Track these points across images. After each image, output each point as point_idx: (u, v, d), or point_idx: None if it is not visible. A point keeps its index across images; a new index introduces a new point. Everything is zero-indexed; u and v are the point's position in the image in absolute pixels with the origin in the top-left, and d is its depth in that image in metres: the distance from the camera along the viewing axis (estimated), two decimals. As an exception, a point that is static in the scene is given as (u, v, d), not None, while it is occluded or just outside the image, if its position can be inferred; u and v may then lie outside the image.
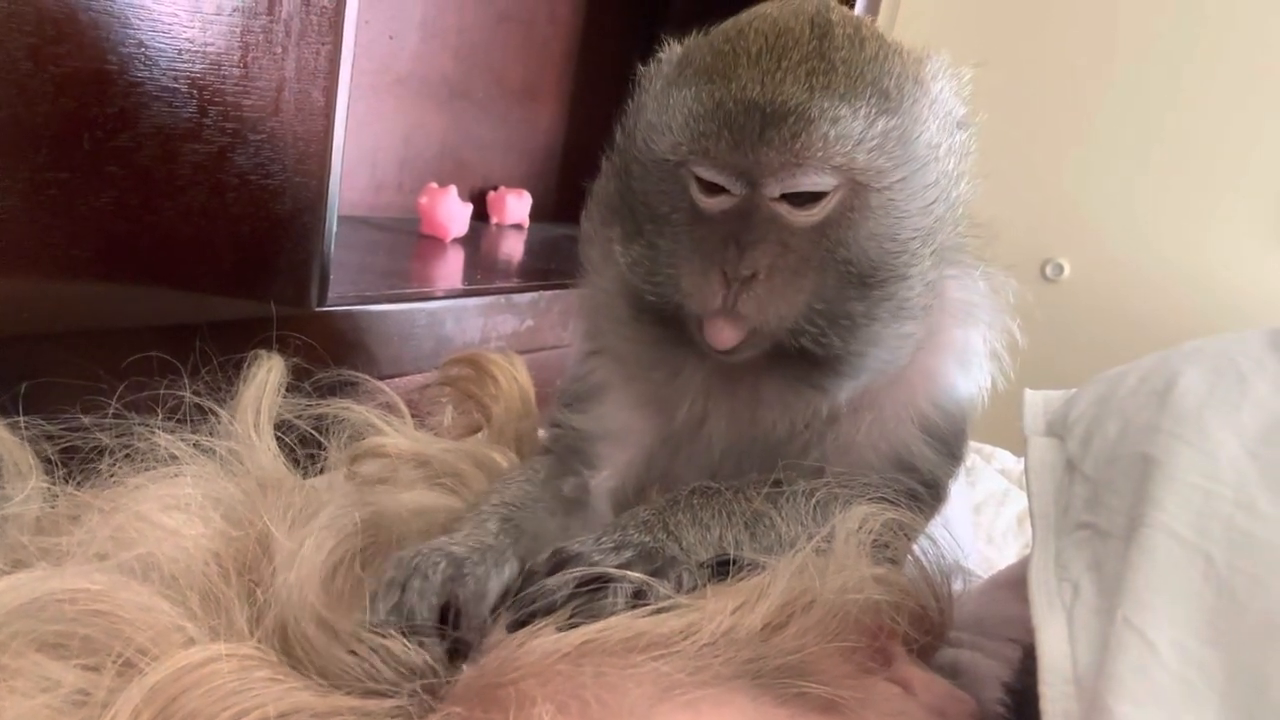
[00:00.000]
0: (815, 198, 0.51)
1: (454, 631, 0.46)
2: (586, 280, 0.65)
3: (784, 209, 0.51)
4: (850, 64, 0.51)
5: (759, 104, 0.49)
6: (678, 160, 0.53)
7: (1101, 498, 0.45)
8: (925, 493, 0.61)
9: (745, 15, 0.55)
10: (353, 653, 0.44)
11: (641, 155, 0.56)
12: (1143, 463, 0.44)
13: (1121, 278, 2.50)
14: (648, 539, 0.51)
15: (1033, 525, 0.49)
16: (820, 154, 0.49)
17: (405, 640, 0.44)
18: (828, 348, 0.53)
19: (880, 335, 0.54)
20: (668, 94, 0.54)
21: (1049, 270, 2.56)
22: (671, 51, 0.58)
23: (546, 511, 0.59)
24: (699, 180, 0.53)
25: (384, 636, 0.44)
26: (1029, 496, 0.50)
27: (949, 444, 0.62)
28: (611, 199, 0.61)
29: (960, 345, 0.61)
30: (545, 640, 0.43)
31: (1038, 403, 0.55)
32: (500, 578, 0.51)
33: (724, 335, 0.53)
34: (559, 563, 0.48)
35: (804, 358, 0.54)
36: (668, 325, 0.57)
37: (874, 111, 0.50)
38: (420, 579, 0.47)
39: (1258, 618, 0.35)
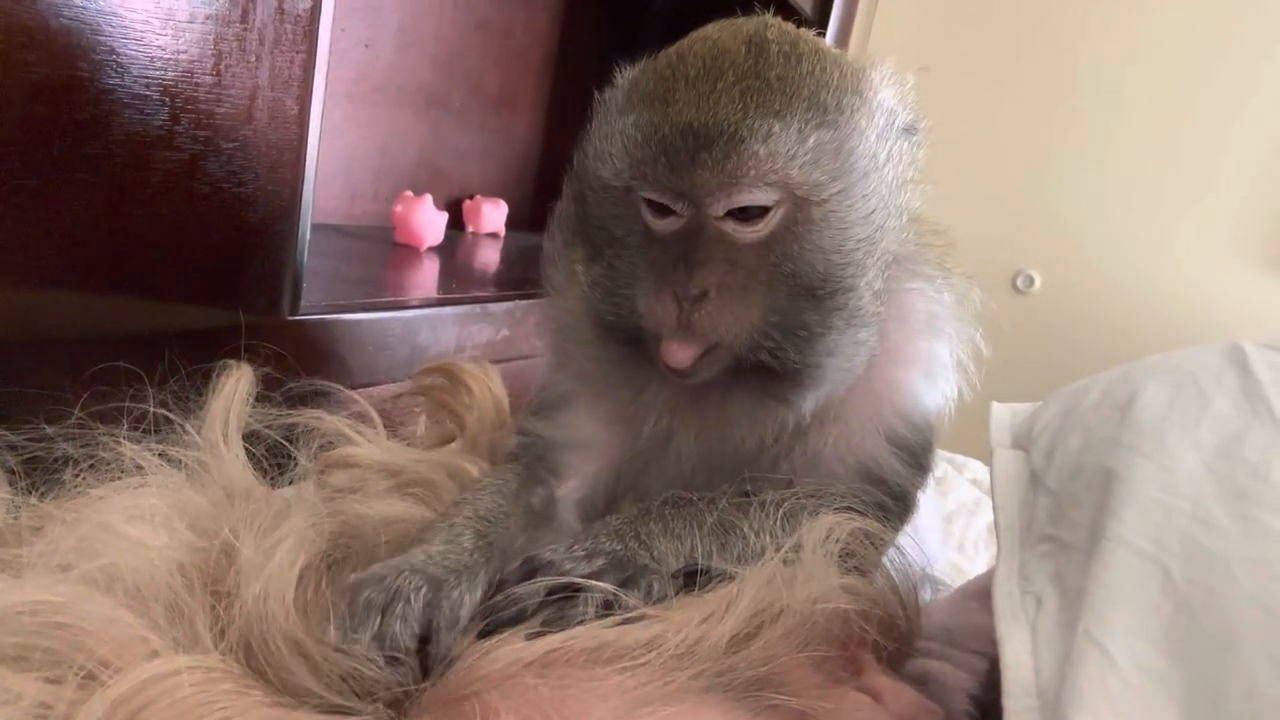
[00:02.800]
0: (759, 213, 0.52)
1: (427, 649, 0.46)
2: (551, 300, 0.65)
3: (730, 226, 0.52)
4: (785, 80, 0.52)
5: (693, 127, 0.50)
6: (622, 185, 0.54)
7: (1064, 510, 0.46)
8: (893, 504, 0.62)
9: (688, 39, 0.56)
10: (318, 672, 0.44)
11: (594, 181, 0.57)
12: (1103, 476, 0.44)
13: (1092, 289, 2.53)
14: (619, 547, 0.51)
15: (998, 537, 0.49)
16: (753, 172, 0.50)
17: (379, 663, 0.44)
18: (784, 361, 0.54)
19: (836, 344, 0.55)
20: (614, 121, 0.55)
21: (1019, 282, 2.59)
22: (624, 78, 0.59)
23: (517, 526, 0.59)
24: (648, 203, 0.54)
25: (357, 658, 0.44)
26: (994, 509, 0.51)
27: (916, 455, 0.63)
28: (573, 221, 0.62)
29: (925, 357, 0.62)
30: (509, 649, 0.43)
31: (1004, 415, 0.56)
32: (474, 599, 0.50)
33: (679, 354, 0.53)
34: (530, 571, 0.48)
35: (764, 372, 0.55)
36: (630, 344, 0.57)
37: (808, 126, 0.51)
38: (403, 603, 0.46)
39: (1213, 630, 0.36)
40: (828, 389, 0.57)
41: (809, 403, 0.57)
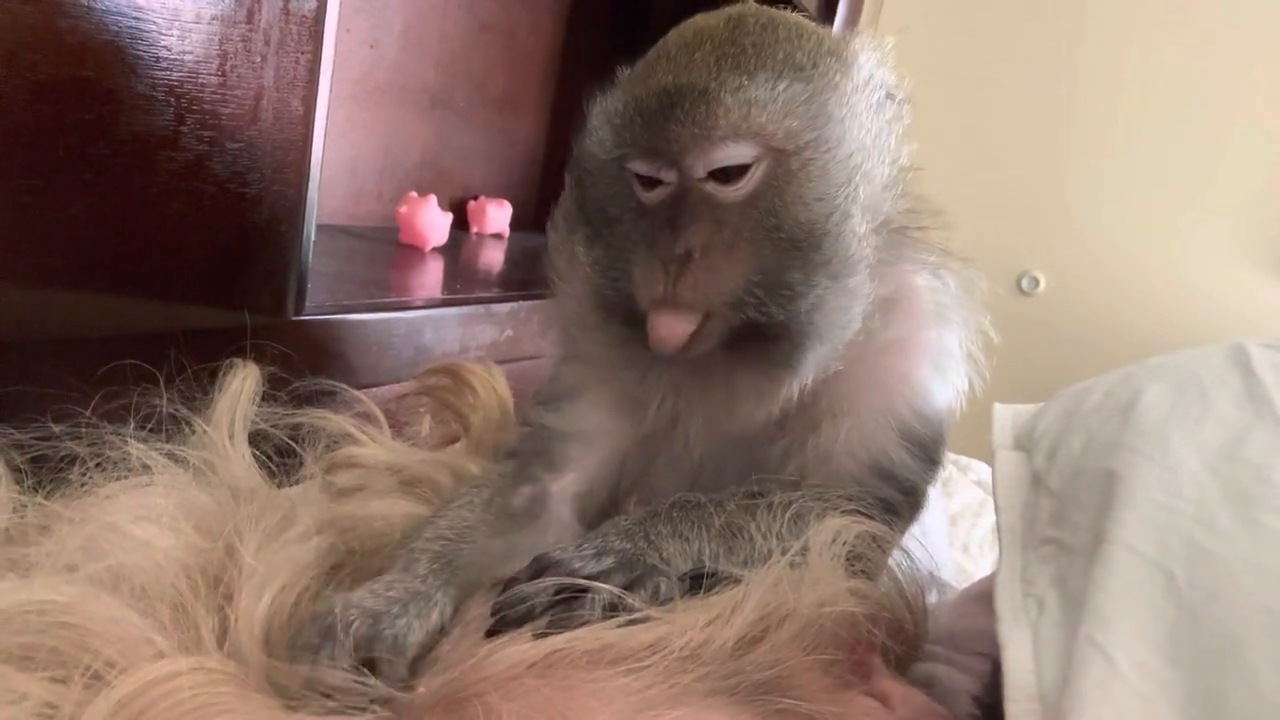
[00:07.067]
0: (740, 172, 0.53)
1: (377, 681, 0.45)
2: (556, 289, 0.66)
3: (712, 187, 0.53)
4: (760, 45, 0.54)
5: (667, 89, 0.53)
6: (609, 157, 0.56)
7: (1066, 513, 0.46)
8: (903, 501, 0.61)
9: (675, 28, 0.58)
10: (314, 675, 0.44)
11: (588, 163, 0.59)
12: (1106, 478, 0.44)
13: (1097, 291, 2.53)
14: (628, 546, 0.51)
15: (1000, 539, 0.49)
16: (724, 122, 0.51)
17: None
18: (771, 315, 0.54)
19: (821, 300, 0.55)
20: (605, 104, 0.58)
21: (1024, 283, 2.59)
22: (620, 75, 0.61)
23: (486, 535, 0.59)
24: (637, 177, 0.55)
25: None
26: (996, 510, 0.51)
27: (927, 449, 0.62)
28: (573, 207, 0.63)
29: (935, 348, 0.62)
30: (513, 650, 0.43)
31: (1006, 417, 0.56)
32: (425, 626, 0.50)
33: (672, 331, 0.54)
34: (539, 570, 0.48)
35: (757, 335, 0.55)
36: (632, 324, 0.57)
37: (779, 79, 0.53)
38: (333, 644, 0.46)
39: (1216, 635, 0.36)
40: (827, 350, 0.57)
41: (809, 365, 0.57)
